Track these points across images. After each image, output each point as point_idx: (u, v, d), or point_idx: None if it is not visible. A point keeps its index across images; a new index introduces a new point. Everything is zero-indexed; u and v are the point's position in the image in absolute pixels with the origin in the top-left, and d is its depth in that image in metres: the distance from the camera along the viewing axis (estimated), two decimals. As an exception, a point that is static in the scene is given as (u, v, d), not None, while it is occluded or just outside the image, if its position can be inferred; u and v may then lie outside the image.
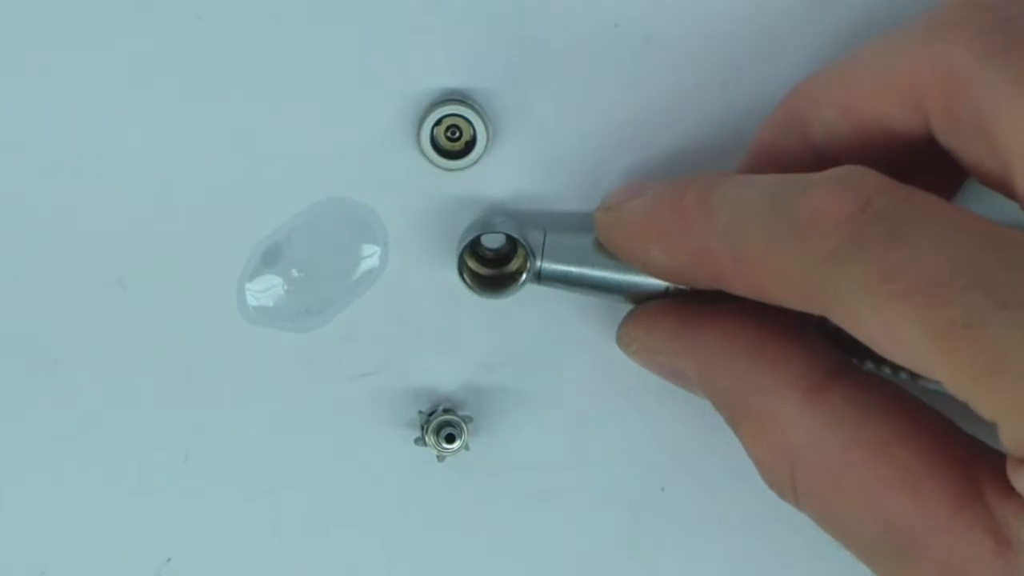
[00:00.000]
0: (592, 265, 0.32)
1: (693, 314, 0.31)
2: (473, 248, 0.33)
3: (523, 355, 0.35)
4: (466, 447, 0.34)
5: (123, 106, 0.34)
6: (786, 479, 0.29)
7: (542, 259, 0.32)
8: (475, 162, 0.34)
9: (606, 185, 0.34)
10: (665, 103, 0.34)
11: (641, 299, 0.33)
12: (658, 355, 0.32)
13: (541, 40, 0.34)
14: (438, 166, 0.34)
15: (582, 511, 0.36)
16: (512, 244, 0.33)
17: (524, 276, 0.33)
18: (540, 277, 0.33)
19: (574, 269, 0.32)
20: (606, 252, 0.32)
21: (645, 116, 0.34)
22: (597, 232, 0.32)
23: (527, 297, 0.35)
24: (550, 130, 0.34)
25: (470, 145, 0.33)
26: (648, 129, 0.34)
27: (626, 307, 0.33)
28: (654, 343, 0.32)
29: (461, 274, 0.33)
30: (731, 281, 0.29)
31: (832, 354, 0.30)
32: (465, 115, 0.33)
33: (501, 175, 0.34)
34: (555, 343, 0.35)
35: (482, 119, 0.33)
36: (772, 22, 0.34)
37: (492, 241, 0.34)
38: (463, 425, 0.34)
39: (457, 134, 0.33)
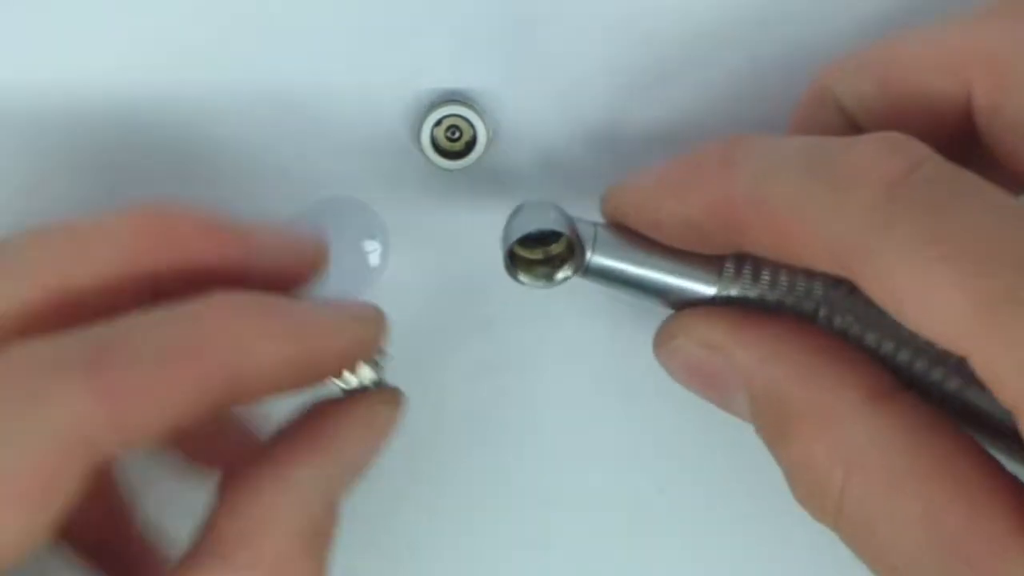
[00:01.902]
0: (641, 264, 0.31)
1: (752, 313, 0.31)
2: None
3: (523, 355, 0.35)
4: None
5: (123, 108, 0.34)
6: (834, 485, 0.28)
7: (593, 253, 0.31)
8: (475, 162, 0.34)
9: (606, 185, 0.34)
10: (666, 102, 0.34)
11: (684, 305, 0.32)
12: (708, 348, 0.31)
13: (541, 40, 0.34)
14: (438, 166, 0.34)
15: (582, 511, 0.36)
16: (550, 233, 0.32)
17: (573, 268, 0.31)
18: (587, 271, 0.31)
19: (623, 266, 0.31)
20: (656, 252, 0.31)
21: (646, 115, 0.34)
22: (604, 210, 0.31)
23: (527, 297, 0.35)
24: (550, 130, 0.34)
25: (470, 145, 0.34)
26: (649, 128, 0.34)
27: (634, 311, 0.34)
28: (710, 333, 0.31)
29: (512, 264, 0.32)
30: (752, 234, 0.28)
31: (888, 372, 0.29)
32: (465, 115, 0.33)
33: (501, 175, 0.34)
34: (555, 343, 0.35)
35: (482, 119, 0.33)
36: (779, 22, 0.34)
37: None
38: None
39: (457, 134, 0.34)
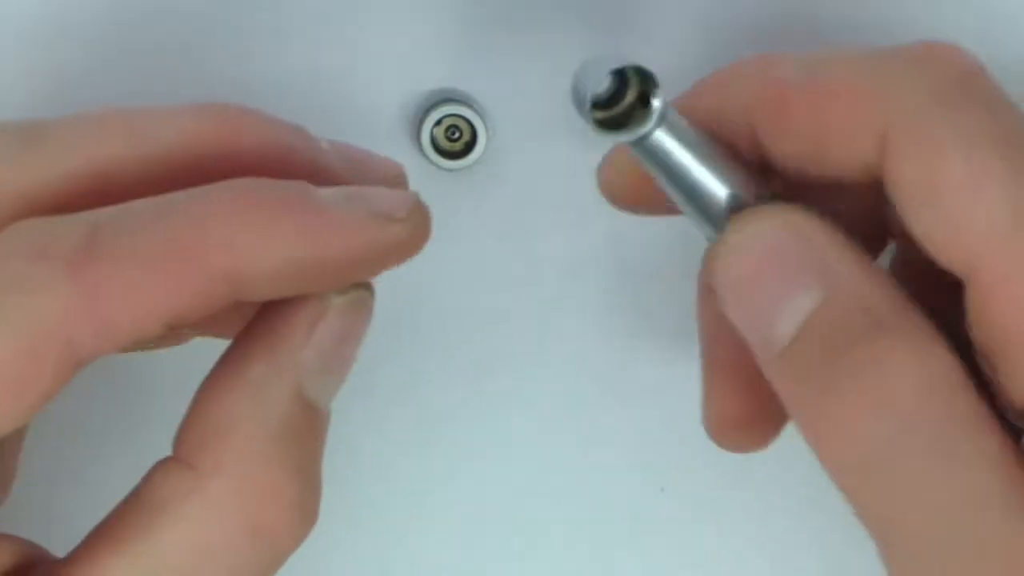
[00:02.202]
0: (700, 151, 0.28)
1: None
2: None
3: (522, 356, 0.35)
4: None
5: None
6: (906, 406, 0.25)
7: (662, 119, 0.27)
8: (475, 162, 0.34)
9: (606, 185, 0.34)
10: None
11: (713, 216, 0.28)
12: (803, 239, 0.27)
13: (541, 40, 0.34)
14: (438, 166, 0.34)
15: (583, 511, 0.36)
16: (618, 90, 0.28)
17: (660, 105, 0.27)
18: (644, 139, 0.28)
19: (683, 145, 0.27)
20: (715, 146, 0.28)
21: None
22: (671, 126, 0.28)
23: (525, 297, 0.35)
24: (550, 130, 0.34)
25: (470, 145, 0.33)
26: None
27: (635, 310, 0.33)
28: (816, 223, 0.27)
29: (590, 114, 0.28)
30: (795, 121, 0.27)
31: None
32: (465, 115, 0.33)
33: (501, 175, 0.34)
34: (555, 343, 0.35)
35: (482, 119, 0.33)
36: (780, 19, 0.34)
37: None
38: None
39: (457, 134, 0.33)
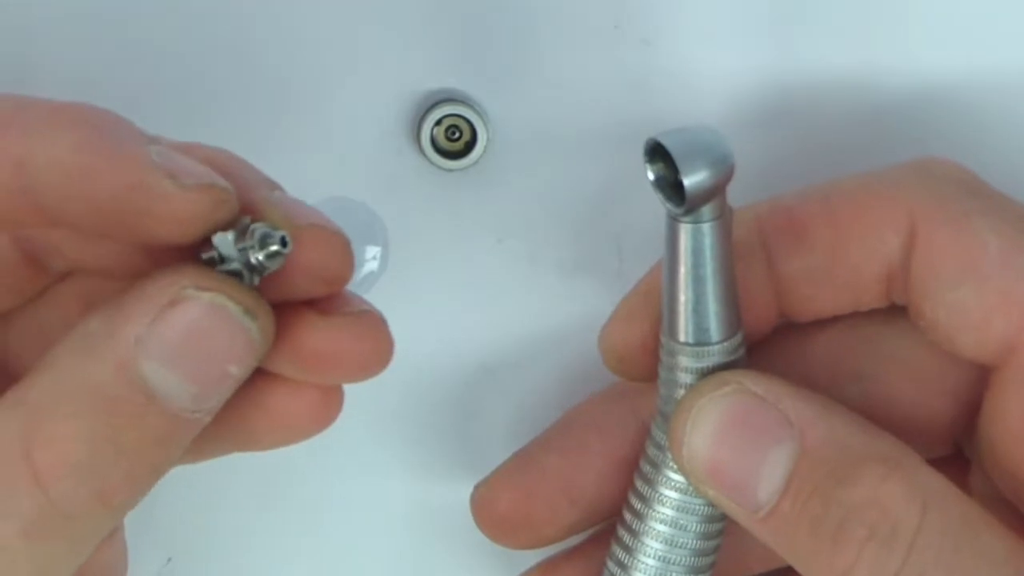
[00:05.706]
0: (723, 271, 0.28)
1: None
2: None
3: (522, 356, 0.35)
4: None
5: (125, 104, 0.34)
6: (910, 523, 0.26)
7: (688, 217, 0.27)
8: (475, 162, 0.34)
9: (606, 185, 0.34)
10: (664, 103, 0.34)
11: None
12: (759, 399, 0.28)
13: (541, 40, 0.34)
14: (438, 166, 0.34)
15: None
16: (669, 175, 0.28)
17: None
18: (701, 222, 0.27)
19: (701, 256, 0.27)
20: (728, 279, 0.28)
21: (645, 116, 0.34)
22: None
23: (524, 297, 0.35)
24: (550, 130, 0.34)
25: (470, 145, 0.33)
26: (648, 128, 0.34)
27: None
28: (769, 384, 0.28)
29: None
30: (811, 227, 0.29)
31: None
32: (465, 115, 0.33)
33: (501, 175, 0.34)
34: (555, 344, 0.35)
35: (482, 119, 0.33)
36: (778, 18, 0.34)
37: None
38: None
39: (457, 134, 0.33)
